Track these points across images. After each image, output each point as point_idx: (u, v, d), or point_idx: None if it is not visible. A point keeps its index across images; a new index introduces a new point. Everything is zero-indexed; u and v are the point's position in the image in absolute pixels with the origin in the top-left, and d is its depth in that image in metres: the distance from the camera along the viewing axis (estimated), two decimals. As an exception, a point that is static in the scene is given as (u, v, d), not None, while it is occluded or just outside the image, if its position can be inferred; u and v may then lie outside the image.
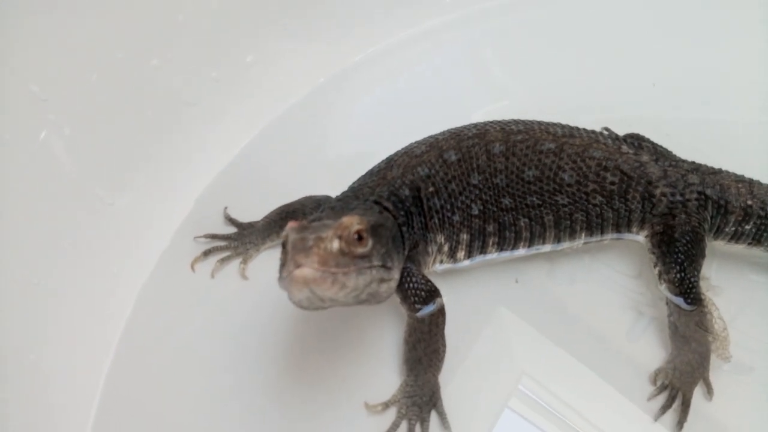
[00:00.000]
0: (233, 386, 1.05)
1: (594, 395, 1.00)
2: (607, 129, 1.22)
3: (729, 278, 1.08)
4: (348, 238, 0.82)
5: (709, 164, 1.09)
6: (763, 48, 1.36)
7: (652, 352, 1.03)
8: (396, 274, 0.92)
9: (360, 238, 0.83)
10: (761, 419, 0.98)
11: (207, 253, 1.15)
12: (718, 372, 1.00)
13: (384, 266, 0.86)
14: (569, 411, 1.00)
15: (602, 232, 1.05)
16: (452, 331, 1.00)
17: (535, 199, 1.03)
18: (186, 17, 1.19)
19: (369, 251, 0.84)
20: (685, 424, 0.96)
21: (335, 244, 0.80)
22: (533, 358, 1.05)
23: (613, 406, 0.99)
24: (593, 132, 1.09)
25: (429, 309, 0.97)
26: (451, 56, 1.43)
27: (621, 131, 1.20)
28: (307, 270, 0.78)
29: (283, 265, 0.82)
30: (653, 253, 1.03)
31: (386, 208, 0.98)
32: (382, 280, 0.87)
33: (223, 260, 1.14)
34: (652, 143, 1.12)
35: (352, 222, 0.83)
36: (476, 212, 1.03)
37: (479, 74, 1.43)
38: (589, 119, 1.19)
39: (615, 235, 1.06)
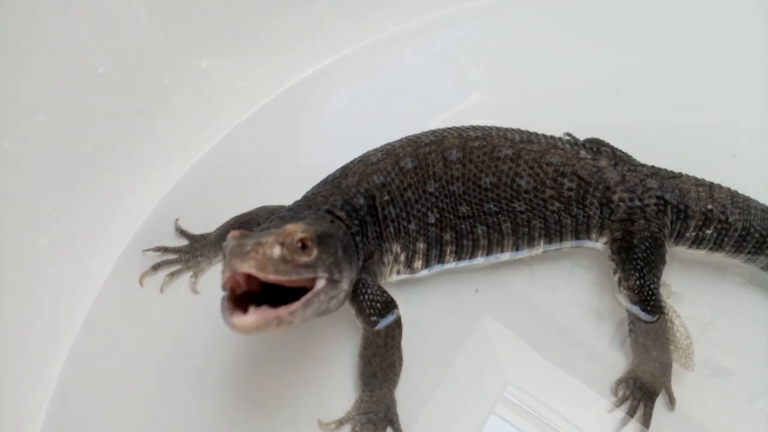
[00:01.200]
0: (185, 403, 1.01)
1: (579, 401, 0.98)
2: (568, 134, 1.20)
3: (708, 281, 1.07)
4: (291, 246, 0.79)
5: (674, 168, 1.07)
6: (726, 49, 1.35)
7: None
8: (345, 286, 0.89)
9: (304, 247, 0.80)
10: (741, 422, 0.96)
11: (156, 267, 1.11)
12: (696, 375, 0.98)
13: (331, 279, 0.83)
14: (556, 417, 0.97)
15: (561, 239, 1.03)
16: (437, 340, 0.99)
17: (492, 206, 1.00)
18: (135, 23, 1.15)
19: (314, 261, 0.81)
20: (667, 428, 0.94)
21: (276, 251, 0.77)
22: (519, 366, 1.02)
23: (597, 412, 0.97)
24: (552, 137, 1.07)
25: (386, 321, 0.95)
26: (420, 60, 1.42)
27: (586, 135, 1.17)
28: (249, 319, 0.75)
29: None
30: (613, 260, 1.00)
31: (339, 218, 0.95)
32: (331, 298, 0.84)
33: (173, 274, 1.10)
34: (612, 148, 1.10)
35: (296, 230, 0.80)
36: (433, 220, 1.00)
37: (448, 78, 1.41)
38: (556, 123, 1.17)
39: (574, 242, 1.03)
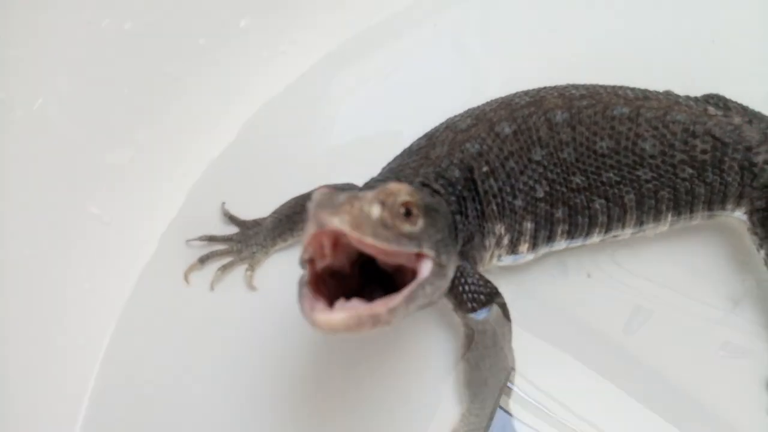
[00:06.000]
0: (241, 420, 0.85)
1: (588, 392, 0.86)
2: (669, 92, 1.04)
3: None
4: (393, 208, 0.63)
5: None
6: None
7: (648, 348, 0.89)
8: (451, 273, 0.73)
9: (408, 214, 0.65)
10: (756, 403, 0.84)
11: (204, 260, 0.94)
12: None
13: (438, 262, 0.67)
14: (563, 410, 0.85)
15: (692, 212, 0.87)
16: (444, 329, 0.86)
17: (612, 175, 0.84)
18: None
19: (419, 233, 0.66)
20: (680, 411, 0.83)
21: (375, 209, 0.62)
22: (525, 356, 0.87)
23: (607, 403, 0.85)
24: (670, 93, 0.92)
25: (491, 316, 0.80)
26: (465, 29, 1.22)
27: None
28: (337, 317, 0.59)
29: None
30: (755, 233, 0.85)
31: (437, 192, 0.79)
32: (436, 290, 0.68)
33: (224, 268, 0.93)
34: (739, 104, 0.95)
35: (400, 190, 0.65)
36: (542, 195, 0.84)
37: (496, 41, 1.21)
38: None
39: (706, 214, 0.88)
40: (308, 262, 0.64)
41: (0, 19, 0.88)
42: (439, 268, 0.68)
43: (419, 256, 0.66)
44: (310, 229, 0.60)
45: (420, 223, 0.66)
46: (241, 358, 0.89)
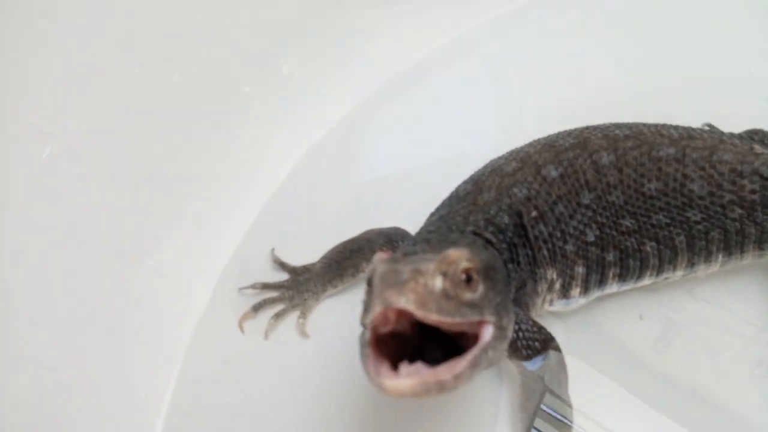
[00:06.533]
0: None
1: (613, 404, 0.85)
2: (709, 125, 1.04)
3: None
4: (454, 278, 0.63)
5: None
6: None
7: (678, 362, 0.89)
8: (510, 333, 0.72)
9: (469, 280, 0.65)
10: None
11: (257, 308, 0.94)
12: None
13: (499, 326, 0.67)
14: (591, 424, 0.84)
15: (742, 252, 0.87)
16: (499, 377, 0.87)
17: (661, 217, 0.85)
18: (205, 17, 0.98)
19: (480, 299, 0.65)
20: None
21: (438, 283, 0.62)
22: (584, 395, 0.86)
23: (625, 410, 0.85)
24: (713, 129, 0.92)
25: (546, 363, 0.80)
26: (501, 67, 1.22)
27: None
28: (405, 383, 0.59)
29: (366, 309, 0.64)
30: (808, 273, 0.85)
31: (489, 242, 0.79)
32: (498, 352, 0.68)
33: (277, 315, 0.94)
34: (785, 140, 0.95)
35: (460, 257, 0.64)
36: (592, 239, 0.84)
37: (533, 78, 1.21)
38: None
39: (757, 253, 0.88)
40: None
41: (47, 68, 0.90)
42: (500, 331, 0.68)
43: (481, 322, 0.66)
44: (377, 306, 0.60)
45: (480, 288, 0.66)
46: (297, 405, 0.89)
